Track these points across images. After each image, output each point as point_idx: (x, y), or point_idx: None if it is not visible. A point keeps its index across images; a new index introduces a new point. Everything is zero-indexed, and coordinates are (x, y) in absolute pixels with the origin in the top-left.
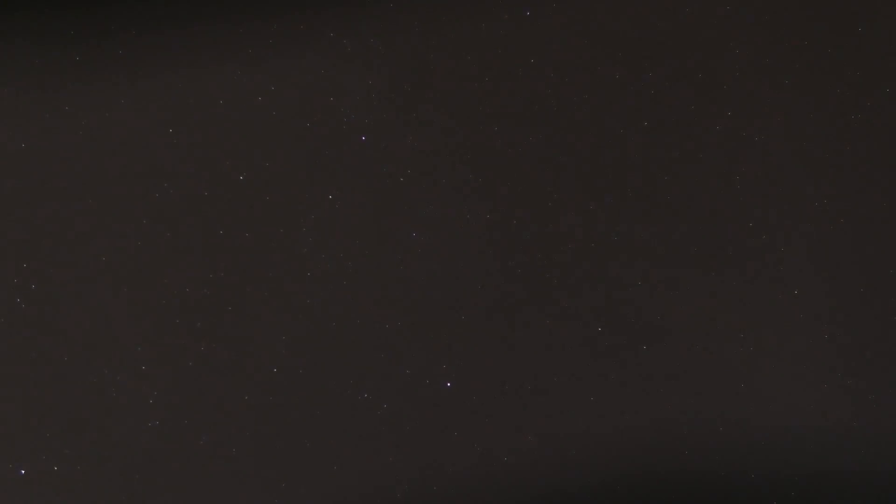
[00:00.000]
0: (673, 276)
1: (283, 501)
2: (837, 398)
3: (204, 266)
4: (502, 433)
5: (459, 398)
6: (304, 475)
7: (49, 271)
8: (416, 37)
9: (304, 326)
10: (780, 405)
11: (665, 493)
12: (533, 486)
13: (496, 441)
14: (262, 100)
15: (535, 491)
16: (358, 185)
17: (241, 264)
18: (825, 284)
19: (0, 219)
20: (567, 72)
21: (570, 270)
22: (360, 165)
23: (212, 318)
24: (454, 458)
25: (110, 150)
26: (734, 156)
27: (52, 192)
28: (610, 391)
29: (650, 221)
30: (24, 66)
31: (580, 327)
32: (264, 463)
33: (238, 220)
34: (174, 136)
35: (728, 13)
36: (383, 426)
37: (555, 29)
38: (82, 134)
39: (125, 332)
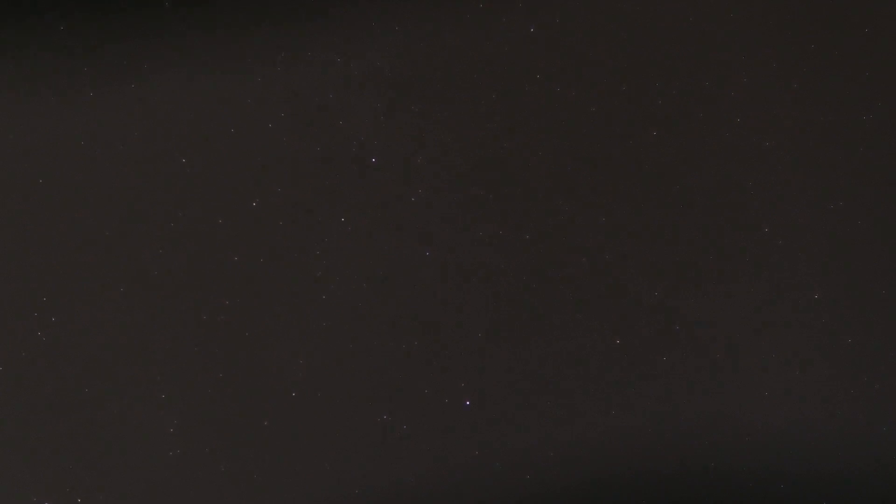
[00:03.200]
0: (683, 282)
1: None
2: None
3: (219, 293)
4: (522, 451)
5: (478, 417)
6: (325, 499)
7: (66, 303)
8: (422, 58)
9: (320, 350)
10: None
11: (673, 494)
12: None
13: (516, 459)
14: (272, 126)
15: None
16: (370, 206)
17: (256, 290)
18: (835, 288)
19: (17, 253)
20: (574, 85)
21: (585, 283)
22: (372, 187)
23: (228, 345)
24: (475, 477)
25: (124, 182)
26: (744, 161)
27: (67, 222)
28: (631, 404)
29: (662, 230)
30: (35, 103)
31: (597, 340)
32: (286, 487)
33: (252, 246)
34: (187, 164)
35: (734, 19)
36: (403, 448)
37: (560, 43)
38: (96, 167)
39: (143, 362)
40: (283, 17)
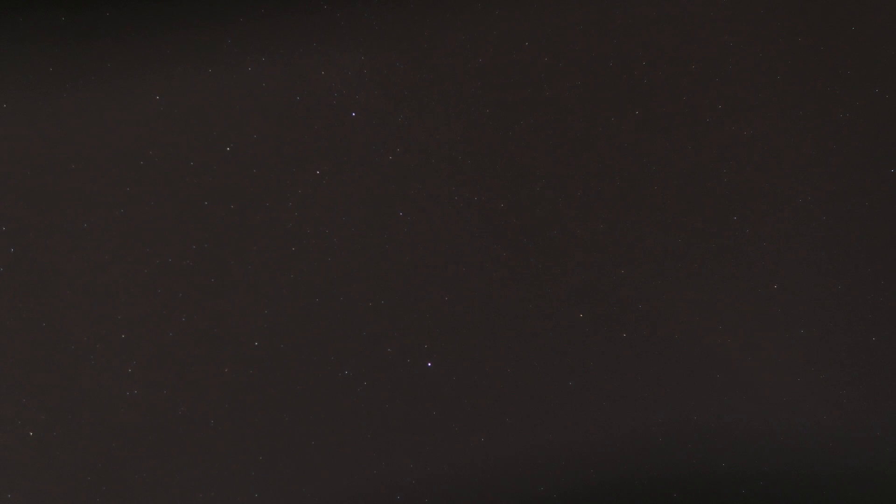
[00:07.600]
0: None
1: (261, 473)
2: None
3: (188, 236)
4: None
5: (441, 379)
6: (282, 448)
7: (29, 238)
8: (412, 15)
9: (286, 301)
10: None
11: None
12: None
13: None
14: (251, 70)
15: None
16: (347, 161)
17: (225, 236)
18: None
19: None
20: (561, 60)
21: (560, 263)
22: (350, 141)
23: (194, 290)
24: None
25: (95, 119)
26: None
27: (37, 162)
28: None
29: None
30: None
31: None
32: (242, 435)
33: (224, 191)
34: (161, 103)
35: (724, 8)
36: (363, 403)
37: (549, 20)
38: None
39: (106, 301)
40: None
